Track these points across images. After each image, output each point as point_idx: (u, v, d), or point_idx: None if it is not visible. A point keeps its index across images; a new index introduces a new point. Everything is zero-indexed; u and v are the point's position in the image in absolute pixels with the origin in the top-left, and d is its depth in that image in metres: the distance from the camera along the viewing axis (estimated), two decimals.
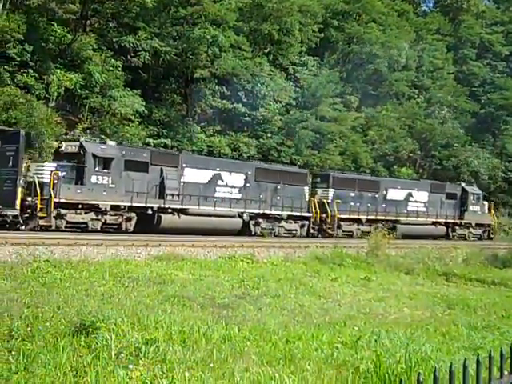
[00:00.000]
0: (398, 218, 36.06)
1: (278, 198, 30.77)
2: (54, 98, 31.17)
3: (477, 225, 42.25)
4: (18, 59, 29.90)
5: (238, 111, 38.87)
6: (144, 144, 33.07)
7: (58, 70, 31.32)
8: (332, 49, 49.08)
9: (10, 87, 29.15)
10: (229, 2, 37.36)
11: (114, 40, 34.82)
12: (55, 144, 30.21)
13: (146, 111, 34.62)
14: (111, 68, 33.26)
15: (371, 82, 50.92)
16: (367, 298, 14.77)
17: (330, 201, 33.27)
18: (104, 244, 19.35)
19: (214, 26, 35.67)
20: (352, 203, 34.45)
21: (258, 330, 9.41)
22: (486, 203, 43.73)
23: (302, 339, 9.13)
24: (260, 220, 29.93)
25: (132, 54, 34.96)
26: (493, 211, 44.42)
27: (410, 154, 49.57)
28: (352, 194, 34.74)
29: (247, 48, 39.52)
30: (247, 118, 39.53)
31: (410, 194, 37.88)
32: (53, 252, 16.36)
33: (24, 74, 29.84)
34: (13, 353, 7.11)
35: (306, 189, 32.83)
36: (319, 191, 34.00)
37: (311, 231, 32.55)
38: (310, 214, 32.13)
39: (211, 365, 7.23)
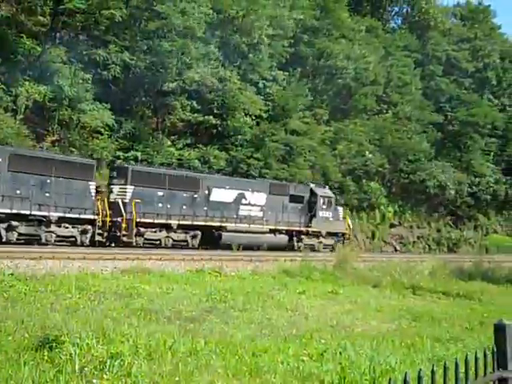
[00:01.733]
0: (224, 225, 30.89)
1: (47, 194, 24.83)
2: (23, 110, 30.90)
3: (328, 234, 37.13)
4: None
5: (209, 123, 38.91)
6: (113, 157, 32.95)
7: (27, 83, 31.08)
8: (302, 63, 49.45)
9: None
10: (198, 15, 37.43)
11: (84, 53, 34.64)
12: None
13: (115, 124, 34.52)
14: (81, 81, 33.08)
15: (340, 96, 51.49)
16: (334, 310, 14.83)
17: (127, 201, 27.45)
18: (70, 257, 19.22)
19: (183, 38, 35.77)
20: (160, 204, 28.45)
21: (225, 343, 9.41)
22: (340, 208, 39.52)
23: (269, 352, 9.15)
24: (15, 223, 23.51)
25: (102, 67, 34.80)
26: (348, 218, 40.16)
27: (379, 169, 50.03)
28: (160, 194, 28.64)
29: (217, 58, 39.68)
30: (219, 129, 39.60)
31: (242, 196, 32.54)
32: (18, 266, 16.20)
33: None
34: None
35: (92, 184, 26.94)
36: (115, 189, 28.02)
37: (98, 238, 26.46)
38: (95, 217, 26.19)
39: (177, 378, 7.22)
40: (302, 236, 35.49)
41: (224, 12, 40.81)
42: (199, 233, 30.24)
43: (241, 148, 40.12)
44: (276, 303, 14.95)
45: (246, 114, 40.30)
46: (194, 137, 39.57)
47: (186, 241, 29.58)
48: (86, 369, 7.26)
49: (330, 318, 13.48)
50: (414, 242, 52.43)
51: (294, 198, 35.36)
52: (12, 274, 14.69)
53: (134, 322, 10.28)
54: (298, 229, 35.19)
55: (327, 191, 38.18)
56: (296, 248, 34.27)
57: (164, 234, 28.89)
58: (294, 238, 35.01)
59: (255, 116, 41.04)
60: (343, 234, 38.26)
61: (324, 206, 36.83)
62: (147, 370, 7.47)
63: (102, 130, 33.61)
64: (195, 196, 30.48)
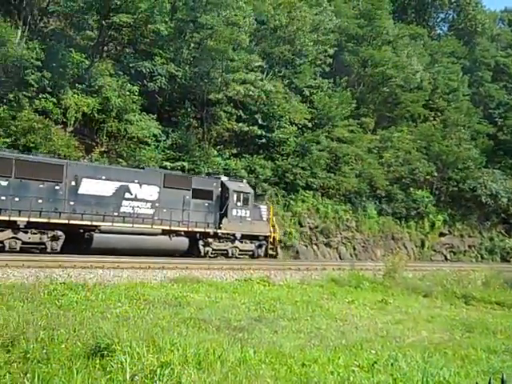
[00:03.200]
0: (97, 223, 24.95)
1: None
2: (72, 122, 31.51)
3: (246, 237, 30.72)
4: (37, 85, 30.28)
5: (254, 133, 39.02)
6: (160, 167, 33.29)
7: (76, 95, 31.68)
8: (346, 72, 49.24)
9: (28, 112, 29.55)
10: (242, 25, 37.65)
11: (131, 65, 35.18)
12: None
13: (162, 135, 34.92)
14: (128, 93, 33.56)
15: (386, 104, 51.03)
16: (384, 320, 14.62)
17: None
18: (120, 266, 19.42)
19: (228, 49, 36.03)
20: (3, 197, 22.69)
21: (274, 352, 9.34)
22: (264, 207, 33.02)
23: (318, 362, 9.05)
24: None
25: (148, 79, 35.27)
26: (273, 219, 33.41)
27: (427, 177, 49.29)
28: (3, 183, 22.93)
29: (262, 68, 39.82)
30: (263, 140, 39.66)
31: (125, 189, 26.56)
32: (69, 275, 16.46)
33: (42, 100, 30.21)
34: (28, 375, 7.10)
35: None
36: None
37: None
38: None
39: None
40: (210, 239, 29.15)
41: (267, 22, 40.91)
42: (61, 234, 24.09)
43: (286, 157, 40.05)
44: (325, 313, 14.83)
45: (291, 123, 40.24)
46: (240, 146, 39.68)
47: (44, 243, 23.51)
48: (136, 377, 7.28)
49: (380, 328, 13.29)
50: (465, 251, 51.34)
51: (199, 194, 29.11)
52: (64, 283, 14.91)
53: (183, 331, 10.29)
54: (202, 230, 28.66)
55: (243, 185, 31.54)
56: (203, 254, 28.62)
57: (8, 234, 22.71)
58: (200, 242, 28.81)
59: (300, 125, 40.94)
60: (265, 238, 31.77)
61: (239, 204, 30.39)
62: (197, 379, 7.44)
63: (149, 140, 34.00)
64: (57, 187, 24.29)
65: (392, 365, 9.28)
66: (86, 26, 36.57)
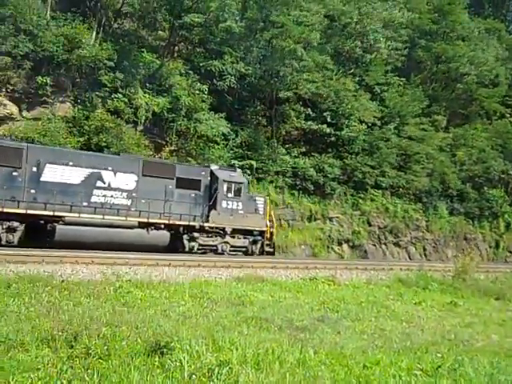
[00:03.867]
0: (60, 214, 22.56)
1: None
2: (142, 121, 32.12)
3: (238, 231, 27.89)
4: (109, 85, 31.01)
5: (323, 132, 38.76)
6: (229, 165, 33.50)
7: (147, 95, 32.29)
8: (419, 68, 48.24)
9: (101, 112, 30.33)
10: (311, 22, 37.48)
11: (201, 65, 35.56)
12: None
13: (231, 133, 35.15)
14: (197, 92, 33.95)
15: (459, 100, 49.69)
16: (453, 323, 14.24)
17: None
18: (186, 264, 19.65)
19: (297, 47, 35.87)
20: None
21: (335, 354, 9.21)
22: (260, 200, 29.71)
23: (380, 365, 8.86)
24: None
25: (218, 78, 35.56)
26: (272, 213, 30.66)
27: (502, 175, 47.73)
28: None
29: (332, 66, 39.52)
30: (332, 139, 39.35)
31: (96, 176, 24.13)
32: (136, 272, 16.76)
33: (115, 99, 30.91)
34: (89, 371, 7.23)
35: None
36: None
37: None
38: None
39: None
40: (195, 234, 26.55)
41: (337, 19, 40.54)
42: (19, 225, 22.07)
43: (355, 156, 39.60)
44: (390, 314, 14.57)
45: (360, 121, 39.76)
46: (309, 145, 39.50)
47: None
48: (194, 376, 7.31)
49: (447, 331, 12.96)
50: None
51: (185, 183, 26.53)
52: (130, 281, 15.18)
53: (244, 330, 10.30)
54: (186, 223, 26.12)
55: (235, 175, 28.56)
56: (187, 249, 26.10)
57: None
58: (184, 236, 26.28)
59: (369, 123, 40.40)
60: (261, 233, 28.94)
61: (230, 195, 27.60)
62: (254, 379, 7.41)
63: (218, 139, 34.27)
64: (15, 174, 22.10)
65: (457, 370, 8.99)
66: (157, 26, 37.22)
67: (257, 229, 28.45)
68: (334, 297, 16.16)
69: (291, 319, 12.14)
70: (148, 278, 15.88)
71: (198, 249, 26.50)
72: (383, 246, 39.15)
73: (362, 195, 39.74)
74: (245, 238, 28.13)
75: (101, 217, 23.55)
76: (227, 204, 27.52)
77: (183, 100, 32.60)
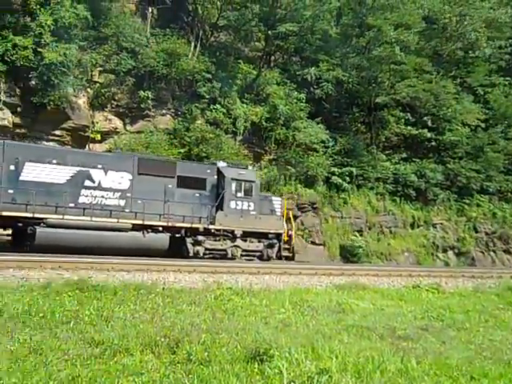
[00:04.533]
0: (41, 216, 20.78)
1: None
2: (241, 131, 32.52)
3: (251, 234, 25.64)
4: (208, 97, 31.64)
5: (424, 136, 37.85)
6: (328, 173, 33.33)
7: (245, 105, 32.70)
8: None
9: (201, 123, 30.99)
10: (410, 26, 36.75)
11: (297, 73, 35.64)
12: None
13: (330, 140, 34.96)
14: (295, 100, 34.04)
15: None
16: None
17: None
18: (287, 272, 19.64)
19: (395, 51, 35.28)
20: None
21: (439, 364, 8.85)
22: (277, 200, 27.51)
23: (489, 377, 8.43)
24: None
25: (314, 86, 35.51)
26: (291, 214, 28.61)
27: None
28: None
29: (430, 69, 38.57)
30: (433, 143, 38.33)
31: (84, 175, 22.24)
32: (236, 280, 16.91)
33: (213, 110, 31.49)
34: (190, 376, 7.31)
35: None
36: None
37: None
38: None
39: None
40: (200, 237, 24.38)
41: (437, 20, 39.51)
42: None
43: (458, 160, 38.36)
44: (500, 323, 13.87)
45: (463, 125, 38.53)
46: (409, 150, 38.68)
47: None
48: (293, 383, 7.23)
49: None
50: None
51: (187, 182, 24.48)
52: (230, 288, 15.31)
53: (344, 339, 10.11)
54: (188, 226, 24.03)
55: (245, 173, 26.19)
56: (191, 254, 24.14)
57: None
58: (188, 240, 24.24)
59: (473, 126, 39.08)
60: (278, 236, 26.52)
61: (239, 194, 25.48)
62: None
63: (317, 146, 34.16)
64: None
65: None
66: (253, 37, 37.65)
67: (272, 231, 26.14)
68: (438, 305, 15.61)
69: (393, 328, 11.81)
70: (249, 286, 15.97)
71: (205, 253, 24.50)
72: (492, 253, 37.67)
73: (468, 201, 38.45)
74: (259, 241, 25.97)
75: (88, 218, 21.69)
76: (236, 204, 25.40)
77: (281, 109, 32.78)
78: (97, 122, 29.44)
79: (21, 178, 20.78)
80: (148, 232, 22.99)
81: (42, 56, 25.42)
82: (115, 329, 9.52)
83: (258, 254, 25.83)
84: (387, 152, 38.47)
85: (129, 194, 23.00)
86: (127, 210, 22.85)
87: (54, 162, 21.59)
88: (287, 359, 8.02)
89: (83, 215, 21.67)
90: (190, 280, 16.59)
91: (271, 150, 34.14)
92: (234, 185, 25.26)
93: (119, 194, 22.84)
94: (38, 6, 25.84)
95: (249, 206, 25.56)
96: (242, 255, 25.29)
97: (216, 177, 25.24)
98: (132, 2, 33.53)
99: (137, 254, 21.39)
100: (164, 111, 31.45)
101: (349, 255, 32.84)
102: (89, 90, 29.43)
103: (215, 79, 31.85)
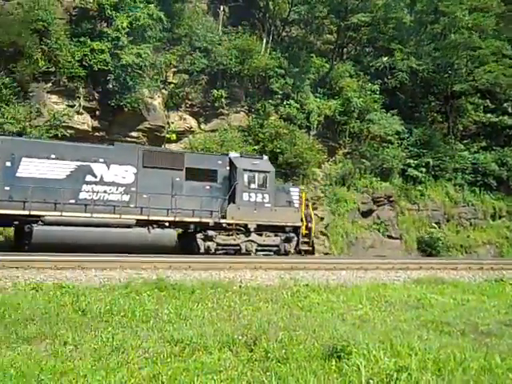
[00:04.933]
0: (38, 213, 19.93)
1: None
2: (315, 126, 32.41)
3: (265, 228, 24.06)
4: (280, 92, 31.68)
5: (504, 124, 36.66)
6: (404, 165, 32.80)
7: (318, 99, 32.57)
8: None
9: (274, 119, 31.08)
10: (485, 8, 35.67)
11: (370, 64, 35.21)
12: (318, 171, 31.48)
13: (405, 130, 34.40)
14: (369, 92, 33.66)
15: None
16: None
17: None
18: (363, 267, 19.48)
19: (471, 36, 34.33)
20: None
21: None
22: (295, 190, 25.79)
23: None
24: None
25: (388, 76, 34.98)
26: (310, 206, 26.64)
27: None
28: None
29: (511, 53, 37.31)
30: None
31: (85, 170, 21.35)
32: (313, 276, 16.88)
33: (286, 106, 31.52)
34: (267, 374, 7.38)
35: None
36: None
37: None
38: None
39: None
40: (211, 232, 23.01)
41: None
42: None
43: None
44: None
45: None
46: (489, 139, 37.54)
47: None
48: (371, 381, 7.18)
49: None
50: None
51: (197, 174, 23.25)
52: (307, 285, 15.31)
53: (423, 335, 9.94)
54: (198, 220, 22.73)
55: (259, 163, 24.70)
56: (203, 250, 22.88)
57: None
58: (198, 235, 22.93)
59: None
60: (296, 229, 24.82)
61: (252, 186, 23.97)
62: None
63: (392, 138, 33.67)
64: None
65: None
66: (325, 30, 37.43)
67: (289, 224, 24.49)
68: None
69: (475, 323, 11.52)
70: (325, 282, 15.93)
71: (217, 249, 23.19)
72: None
73: None
74: (276, 235, 24.38)
75: (88, 215, 20.78)
76: (249, 197, 23.89)
77: (355, 101, 32.49)
78: (172, 122, 29.98)
79: (17, 175, 20.15)
80: (154, 228, 21.95)
81: (119, 58, 26.12)
82: (193, 327, 9.68)
83: (274, 248, 24.43)
84: (465, 141, 37.53)
85: (133, 189, 22.01)
86: (132, 206, 21.90)
87: (53, 157, 20.83)
88: (365, 356, 7.96)
89: (85, 212, 20.84)
90: (266, 277, 16.65)
91: (345, 143, 33.88)
92: (246, 176, 23.84)
93: (123, 188, 21.91)
94: (114, 12, 26.53)
95: (263, 197, 24.15)
96: (257, 250, 23.94)
97: (228, 168, 23.96)
98: (204, 1, 33.93)
99: (143, 251, 20.39)
100: (237, 108, 31.69)
101: (427, 248, 32.23)
102: (163, 90, 29.99)
103: (288, 74, 31.85)
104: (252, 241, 23.77)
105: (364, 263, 20.65)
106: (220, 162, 23.94)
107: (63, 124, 25.70)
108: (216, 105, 30.56)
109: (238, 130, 30.68)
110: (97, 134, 27.67)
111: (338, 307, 12.39)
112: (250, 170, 23.93)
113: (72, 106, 26.63)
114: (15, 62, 24.79)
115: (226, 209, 23.26)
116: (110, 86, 26.66)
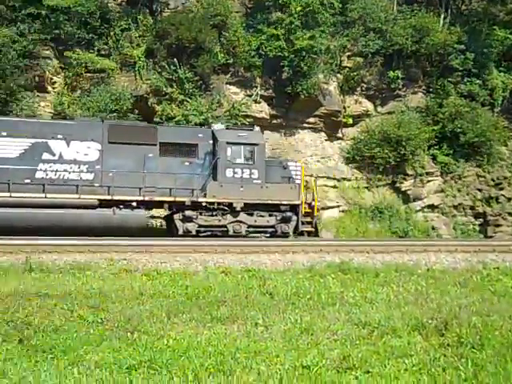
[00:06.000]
0: None
1: None
2: (499, 102, 30.67)
3: (255, 206, 21.33)
4: (461, 69, 30.24)
5: None
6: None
7: (502, 74, 30.74)
8: None
9: (454, 98, 29.75)
10: None
11: None
12: (504, 149, 29.78)
13: None
14: None
15: None
16: None
17: None
18: None
19: None
20: None
21: None
22: (293, 164, 22.59)
23: None
24: None
25: None
26: (313, 182, 23.58)
27: None
28: None
29: None
30: None
31: (42, 147, 19.50)
32: (503, 259, 15.97)
33: (467, 83, 30.05)
34: (462, 360, 7.04)
35: None
36: None
37: None
38: None
39: None
40: (189, 212, 20.78)
41: None
42: None
43: None
44: None
45: None
46: None
47: None
48: None
49: None
50: None
51: (173, 150, 20.98)
52: (498, 268, 14.53)
53: None
54: (172, 199, 20.59)
55: (246, 135, 21.89)
56: (181, 232, 20.74)
57: None
58: (175, 216, 20.86)
59: None
60: (294, 207, 21.92)
61: (238, 161, 21.34)
62: None
63: None
64: None
65: None
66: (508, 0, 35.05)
67: (284, 202, 21.73)
68: None
69: None
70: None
71: (198, 231, 20.99)
72: None
73: None
74: (270, 215, 21.77)
75: (42, 195, 19.25)
76: (234, 173, 21.31)
77: None
78: (348, 107, 29.77)
79: None
80: (120, 209, 20.14)
81: (293, 43, 26.40)
82: (380, 310, 9.55)
83: (269, 230, 21.88)
84: None
85: (98, 167, 20.20)
86: (96, 185, 20.16)
87: (4, 134, 19.37)
88: None
89: (43, 192, 19.38)
90: (452, 260, 16.07)
91: None
92: (229, 149, 21.28)
93: (86, 166, 20.10)
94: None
95: (251, 173, 21.47)
96: (248, 232, 21.62)
97: (211, 142, 21.44)
98: None
99: (109, 233, 18.89)
100: (415, 89, 30.69)
101: None
102: (338, 75, 29.80)
103: (468, 50, 30.24)
104: (241, 221, 21.45)
105: None
106: (201, 135, 21.58)
107: (242, 113, 26.53)
108: (392, 86, 29.84)
109: (415, 111, 29.74)
110: (274, 121, 28.23)
111: None
112: (235, 143, 21.42)
113: (250, 96, 27.43)
114: (196, 57, 26.08)
115: (207, 186, 21.27)
116: (285, 74, 27.03)
